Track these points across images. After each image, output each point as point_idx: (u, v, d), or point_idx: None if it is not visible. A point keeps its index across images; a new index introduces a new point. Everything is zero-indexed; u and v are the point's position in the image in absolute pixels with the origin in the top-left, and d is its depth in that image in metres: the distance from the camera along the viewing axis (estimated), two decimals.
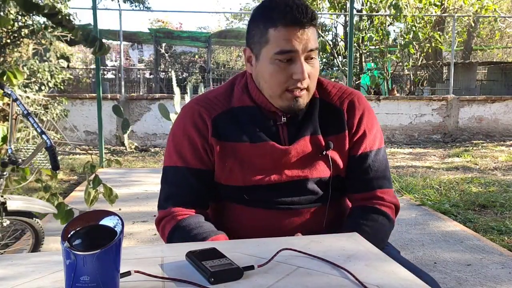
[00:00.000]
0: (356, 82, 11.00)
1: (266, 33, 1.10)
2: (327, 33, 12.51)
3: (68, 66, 7.87)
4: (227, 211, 1.23)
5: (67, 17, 2.30)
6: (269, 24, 1.09)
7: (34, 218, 2.47)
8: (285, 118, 1.18)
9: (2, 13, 4.79)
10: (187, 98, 6.58)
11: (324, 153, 1.18)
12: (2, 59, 5.64)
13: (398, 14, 9.42)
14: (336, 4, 11.67)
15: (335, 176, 1.20)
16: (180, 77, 14.57)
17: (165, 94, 9.63)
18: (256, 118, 1.18)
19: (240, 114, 1.19)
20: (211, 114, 1.19)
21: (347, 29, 8.99)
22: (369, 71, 11.54)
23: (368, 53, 12.59)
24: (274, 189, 1.17)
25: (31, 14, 5.58)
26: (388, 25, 11.21)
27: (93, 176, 2.71)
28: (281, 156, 1.16)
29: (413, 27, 10.15)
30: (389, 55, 11.21)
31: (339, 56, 11.72)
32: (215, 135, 1.18)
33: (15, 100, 2.16)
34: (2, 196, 2.24)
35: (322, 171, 1.19)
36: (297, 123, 1.19)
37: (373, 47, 11.78)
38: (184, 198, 1.17)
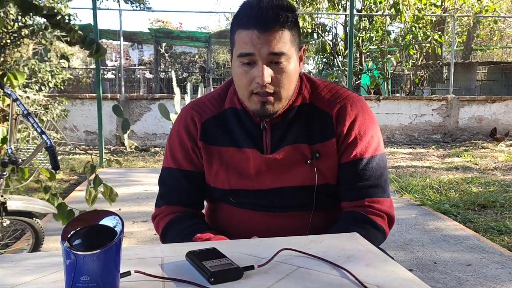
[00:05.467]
0: (356, 82, 11.01)
1: (234, 36, 1.11)
2: (327, 33, 12.51)
3: (68, 66, 7.87)
4: (219, 211, 1.27)
5: (65, 19, 2.29)
6: (235, 26, 1.10)
7: (34, 218, 2.47)
8: (264, 124, 1.16)
9: (1, 13, 4.80)
10: (187, 98, 6.58)
11: (308, 161, 1.15)
12: (2, 59, 5.64)
13: (399, 15, 9.43)
14: (336, 4, 11.67)
15: (323, 184, 1.17)
16: (180, 77, 14.59)
17: (165, 94, 9.64)
18: (244, 121, 1.19)
19: (229, 116, 1.20)
20: (202, 118, 1.22)
21: (347, 29, 8.99)
22: (369, 71, 11.54)
23: (368, 53, 12.59)
24: (257, 194, 1.18)
25: (30, 15, 5.57)
26: (388, 25, 11.21)
27: (93, 176, 2.71)
28: (262, 164, 1.16)
29: (413, 28, 10.15)
30: (389, 56, 11.21)
31: (339, 56, 11.72)
32: (203, 138, 1.20)
33: (15, 100, 2.16)
34: (2, 196, 2.24)
35: (306, 179, 1.16)
36: (282, 129, 1.17)
37: (373, 47, 11.78)
38: (176, 198, 1.23)
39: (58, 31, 5.88)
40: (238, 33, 1.09)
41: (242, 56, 1.08)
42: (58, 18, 2.18)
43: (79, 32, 2.33)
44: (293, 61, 1.12)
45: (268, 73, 1.08)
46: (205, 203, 1.31)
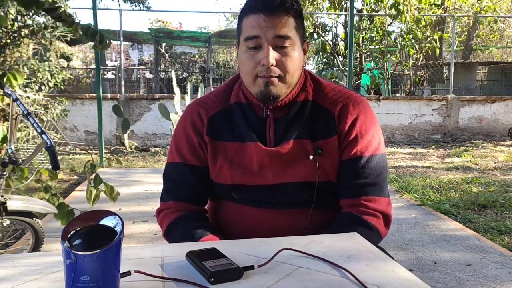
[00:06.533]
0: (356, 82, 11.00)
1: (241, 23, 1.15)
2: (327, 33, 12.50)
3: (68, 66, 7.87)
4: (220, 208, 1.27)
5: (67, 12, 2.30)
6: (243, 13, 1.15)
7: (34, 218, 2.46)
8: (268, 111, 1.18)
9: (1, 13, 4.79)
10: (187, 98, 6.59)
11: (310, 157, 1.16)
12: (2, 59, 5.64)
13: (399, 15, 9.42)
14: (336, 4, 11.67)
15: (325, 182, 1.17)
16: (180, 77, 14.59)
17: (165, 94, 9.63)
18: (248, 114, 1.20)
19: (235, 111, 1.22)
20: (208, 113, 1.23)
21: (347, 29, 8.99)
22: (369, 71, 11.54)
23: (368, 53, 12.58)
24: (259, 190, 1.18)
25: (30, 13, 5.57)
26: (388, 25, 11.21)
27: (93, 175, 2.71)
28: (265, 158, 1.17)
29: (413, 28, 10.15)
30: (389, 56, 11.20)
31: (339, 56, 11.71)
32: (209, 133, 1.22)
33: (15, 100, 2.17)
34: (2, 196, 2.24)
35: (307, 175, 1.16)
36: (285, 124, 1.18)
37: (373, 47, 11.78)
38: (182, 193, 1.23)
39: (58, 31, 5.89)
40: (246, 19, 1.13)
41: (249, 39, 1.12)
42: (60, 11, 2.18)
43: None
44: (297, 49, 1.14)
45: (273, 55, 1.11)
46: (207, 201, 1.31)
